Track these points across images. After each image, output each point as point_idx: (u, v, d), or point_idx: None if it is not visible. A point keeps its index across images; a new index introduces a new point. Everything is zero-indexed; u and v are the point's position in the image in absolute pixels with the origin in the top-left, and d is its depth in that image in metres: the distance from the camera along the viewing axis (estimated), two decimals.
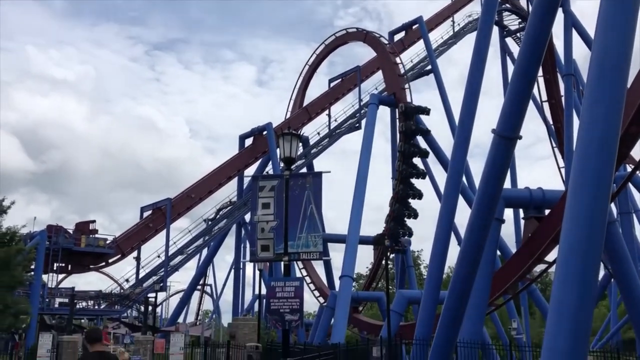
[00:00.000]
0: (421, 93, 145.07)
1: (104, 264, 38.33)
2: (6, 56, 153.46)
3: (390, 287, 34.76)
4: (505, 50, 39.70)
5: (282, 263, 11.47)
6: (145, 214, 39.96)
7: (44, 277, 34.82)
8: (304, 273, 41.69)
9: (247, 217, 44.14)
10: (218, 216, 43.86)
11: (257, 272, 30.70)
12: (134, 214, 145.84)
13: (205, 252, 47.05)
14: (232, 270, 48.04)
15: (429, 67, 42.38)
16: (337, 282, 34.30)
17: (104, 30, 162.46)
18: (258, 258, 12.85)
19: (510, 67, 36.91)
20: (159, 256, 39.58)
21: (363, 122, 38.99)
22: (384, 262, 37.21)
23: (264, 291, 27.72)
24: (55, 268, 35.41)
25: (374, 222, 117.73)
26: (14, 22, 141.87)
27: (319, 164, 50.86)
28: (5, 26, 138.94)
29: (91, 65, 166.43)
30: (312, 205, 12.10)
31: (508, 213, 22.76)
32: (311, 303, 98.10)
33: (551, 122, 28.50)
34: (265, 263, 32.93)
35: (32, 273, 31.60)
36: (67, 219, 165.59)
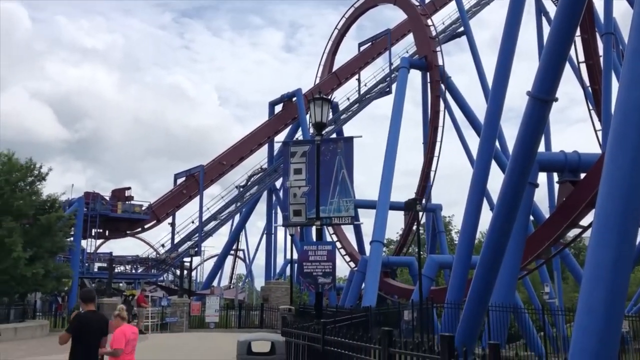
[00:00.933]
0: (453, 56, 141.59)
1: (140, 229, 39.04)
2: (38, 27, 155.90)
3: (421, 252, 34.86)
4: (541, 10, 38.31)
5: (314, 227, 11.45)
6: (179, 181, 40.31)
7: (83, 242, 35.76)
8: (335, 239, 41.87)
9: (278, 183, 43.86)
10: (249, 183, 44.22)
11: (289, 237, 31.07)
12: (166, 181, 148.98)
13: (237, 218, 47.48)
14: (264, 236, 48.91)
15: (461, 28, 41.63)
16: (367, 248, 34.51)
17: None
18: (290, 223, 12.94)
19: (546, 28, 35.68)
20: (192, 222, 40.06)
21: (393, 86, 38.54)
22: (414, 227, 37.07)
23: (295, 256, 27.92)
24: (93, 234, 36.23)
25: (404, 187, 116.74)
26: None
27: (348, 130, 50.64)
28: None
29: (120, 33, 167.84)
30: (343, 171, 12.04)
31: (542, 177, 22.29)
32: (342, 268, 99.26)
33: (588, 84, 27.68)
34: (296, 228, 33.26)
35: (72, 239, 32.37)
36: (102, 186, 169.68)
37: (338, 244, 42.75)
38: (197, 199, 39.65)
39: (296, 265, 47.52)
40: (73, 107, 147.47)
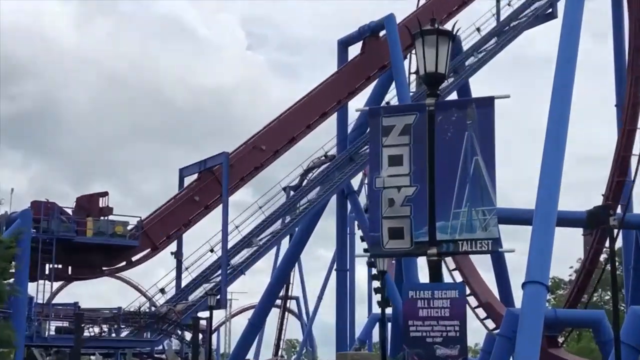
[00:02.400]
0: None
1: (124, 263, 39.76)
2: None
3: (618, 301, 33.60)
4: None
5: (427, 259, 11.37)
6: (188, 181, 41.53)
7: (31, 287, 36.19)
8: (459, 278, 42.17)
9: (357, 181, 43.78)
10: (306, 182, 45.06)
11: (378, 276, 31.52)
12: (165, 180, 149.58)
13: (286, 243, 47.79)
14: (333, 274, 49.93)
15: None
16: (517, 294, 35.46)
17: None
18: (383, 251, 12.62)
19: None
20: (212, 250, 40.78)
21: (560, 5, 37.46)
22: (605, 255, 36.04)
23: (389, 310, 27.60)
24: (47, 271, 36.80)
25: (581, 186, 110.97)
26: None
27: (479, 87, 50.68)
28: None
29: None
30: (477, 157, 11.83)
31: None
32: (473, 328, 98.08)
33: None
34: (391, 261, 32.61)
35: (12, 280, 32.76)
36: (58, 190, 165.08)
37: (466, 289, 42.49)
38: (217, 212, 40.48)
39: (391, 324, 47.23)
40: (6, 61, 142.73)
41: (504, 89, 54.41)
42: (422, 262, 45.98)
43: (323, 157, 45.84)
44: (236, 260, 41.19)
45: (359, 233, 47.22)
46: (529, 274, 27.48)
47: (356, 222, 48.98)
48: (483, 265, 46.57)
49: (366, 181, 50.45)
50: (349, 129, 44.94)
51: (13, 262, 31.94)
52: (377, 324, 51.52)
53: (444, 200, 11.97)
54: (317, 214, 45.56)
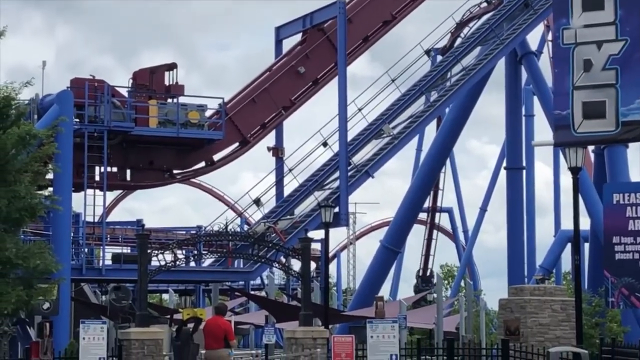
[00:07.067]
0: None
1: (202, 164, 41.10)
2: None
3: None
4: None
5: None
6: (287, 45, 42.49)
7: (76, 198, 37.49)
8: None
9: (534, 38, 42.76)
10: (459, 41, 47.60)
11: (564, 175, 30.67)
12: (254, 45, 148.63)
13: (431, 131, 47.21)
14: (502, 174, 51.73)
15: None
16: None
17: None
18: (575, 137, 12.46)
19: None
20: (325, 144, 41.66)
21: None
22: None
23: (585, 225, 27.27)
24: (98, 178, 37.81)
25: None
26: None
27: None
28: None
29: None
30: None
31: None
32: None
33: None
34: (586, 151, 31.91)
35: (52, 190, 33.95)
36: (97, 65, 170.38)
37: None
38: (331, 88, 41.40)
39: (588, 245, 46.71)
40: None
41: None
42: (631, 153, 43.86)
43: (484, 3, 45.04)
44: (360, 157, 41.89)
45: (538, 113, 46.46)
46: None
47: (535, 97, 48.45)
48: None
49: (549, 36, 49.27)
50: None
51: (50, 165, 32.21)
52: (568, 245, 51.02)
53: None
54: (476, 87, 45.55)
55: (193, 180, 53.49)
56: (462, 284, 72.52)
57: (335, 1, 40.16)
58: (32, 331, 34.99)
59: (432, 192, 65.02)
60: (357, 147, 42.16)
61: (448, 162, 64.18)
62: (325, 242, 38.68)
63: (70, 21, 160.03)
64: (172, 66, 40.11)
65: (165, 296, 45.79)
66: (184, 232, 41.86)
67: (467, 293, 50.56)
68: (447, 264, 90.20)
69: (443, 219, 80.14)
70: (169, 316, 33.71)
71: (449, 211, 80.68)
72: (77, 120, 36.76)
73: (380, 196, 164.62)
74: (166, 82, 39.52)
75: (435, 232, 77.21)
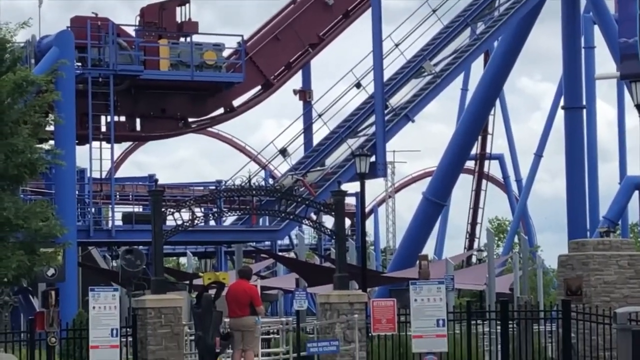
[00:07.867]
0: None
1: (221, 111, 41.12)
2: None
3: None
4: None
5: None
6: None
7: (80, 151, 37.39)
8: None
9: None
10: None
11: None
12: None
13: (478, 68, 46.62)
14: (559, 114, 53.46)
15: None
16: None
17: None
18: None
19: None
20: (358, 85, 42.19)
21: None
22: None
23: None
24: (104, 128, 37.98)
25: None
26: None
27: None
28: None
29: None
30: None
31: None
32: None
33: None
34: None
35: (54, 143, 33.75)
36: (102, 1, 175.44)
37: None
38: (364, 22, 41.57)
39: None
40: None
41: None
42: None
43: None
44: (398, 99, 41.00)
45: (599, 44, 45.09)
46: None
47: (595, 27, 47.32)
48: None
49: None
50: None
51: (50, 115, 32.08)
52: (635, 194, 50.15)
53: None
54: (528, 17, 45.57)
55: (210, 129, 54.53)
56: (516, 239, 72.88)
57: None
58: (36, 301, 35.82)
59: (480, 137, 65.41)
60: (394, 88, 42.37)
61: (498, 102, 64.38)
62: (361, 195, 38.08)
63: None
64: (184, 0, 39.70)
65: (183, 260, 45.40)
66: (201, 188, 41.41)
67: (521, 249, 50.87)
68: (497, 217, 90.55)
69: (493, 167, 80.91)
70: (187, 282, 34.61)
71: (500, 158, 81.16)
72: (79, 64, 37.10)
73: (421, 143, 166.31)
74: (178, 19, 39.77)
75: (484, 182, 78.10)
